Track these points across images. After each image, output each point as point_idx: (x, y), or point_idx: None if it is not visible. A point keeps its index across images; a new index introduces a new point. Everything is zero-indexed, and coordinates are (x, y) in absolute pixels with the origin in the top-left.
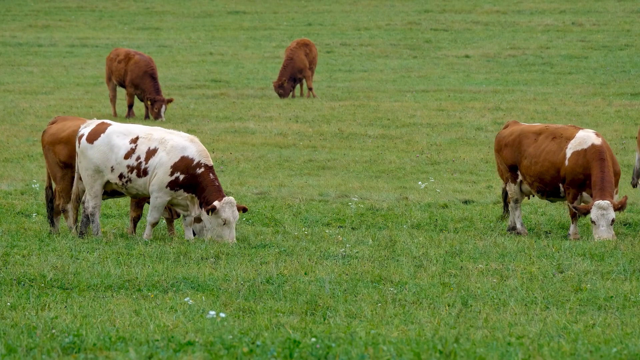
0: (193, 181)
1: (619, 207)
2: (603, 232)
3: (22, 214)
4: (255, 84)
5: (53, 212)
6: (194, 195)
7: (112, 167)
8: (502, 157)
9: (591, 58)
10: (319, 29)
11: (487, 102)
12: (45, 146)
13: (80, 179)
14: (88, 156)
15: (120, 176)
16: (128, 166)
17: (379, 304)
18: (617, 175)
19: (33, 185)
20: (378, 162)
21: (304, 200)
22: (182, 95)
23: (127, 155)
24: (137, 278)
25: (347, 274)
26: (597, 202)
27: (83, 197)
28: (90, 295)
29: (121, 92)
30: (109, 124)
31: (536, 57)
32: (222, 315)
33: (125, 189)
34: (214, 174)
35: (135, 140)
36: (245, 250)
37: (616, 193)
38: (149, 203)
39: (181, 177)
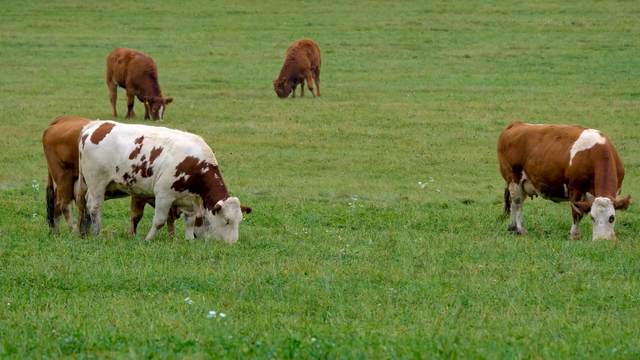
0: (198, 181)
1: (620, 206)
2: (601, 229)
3: (22, 214)
4: (255, 84)
5: (53, 212)
6: (198, 195)
7: (117, 167)
8: (506, 156)
9: (591, 58)
10: (319, 29)
11: (487, 102)
12: (46, 146)
13: (84, 179)
14: (92, 156)
15: (125, 176)
16: (133, 166)
17: (379, 304)
18: (620, 175)
19: (33, 185)
20: (378, 162)
21: (304, 200)
22: (182, 95)
23: (132, 155)
24: (137, 278)
25: (347, 274)
26: (597, 198)
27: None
28: (90, 295)
29: (121, 92)
30: (114, 124)
31: (536, 57)
32: (222, 315)
33: (130, 188)
34: (218, 174)
35: (140, 140)
36: (245, 250)
37: (619, 193)
38: (150, 204)
39: (186, 177)
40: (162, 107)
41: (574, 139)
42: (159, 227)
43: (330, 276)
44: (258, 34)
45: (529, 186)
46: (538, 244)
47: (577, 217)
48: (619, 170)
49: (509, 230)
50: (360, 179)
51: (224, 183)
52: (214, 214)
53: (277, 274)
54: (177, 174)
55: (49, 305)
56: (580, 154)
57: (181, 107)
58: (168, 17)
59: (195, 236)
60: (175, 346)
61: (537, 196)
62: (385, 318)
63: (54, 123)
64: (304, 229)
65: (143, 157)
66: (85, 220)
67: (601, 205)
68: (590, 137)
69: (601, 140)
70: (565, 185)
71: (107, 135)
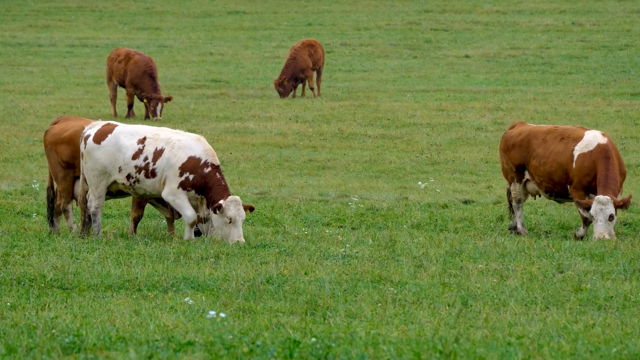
0: (202, 181)
1: (621, 205)
2: (600, 227)
3: (22, 214)
4: (255, 84)
5: (54, 212)
6: (202, 196)
7: (119, 168)
8: (509, 157)
9: (591, 58)
10: (319, 29)
11: (487, 102)
12: (47, 146)
13: (85, 179)
14: (95, 157)
15: (128, 176)
16: (136, 167)
17: (379, 304)
18: (622, 175)
19: (33, 185)
20: (378, 162)
21: (304, 200)
22: (182, 95)
23: (135, 156)
24: (137, 278)
25: (347, 274)
26: (597, 197)
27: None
28: (90, 295)
29: (121, 92)
30: (116, 125)
31: (536, 57)
32: (222, 315)
33: (133, 189)
34: (220, 173)
35: (142, 141)
36: (245, 250)
37: (620, 194)
38: (151, 204)
39: (191, 177)
40: (160, 105)
41: (576, 140)
42: (192, 224)
43: (330, 276)
44: (258, 34)
45: (531, 186)
46: (538, 244)
47: (585, 221)
48: (621, 170)
49: (509, 229)
50: (360, 179)
51: (226, 183)
52: (215, 212)
53: (277, 274)
54: (181, 174)
55: (49, 305)
56: (582, 155)
57: (181, 107)
58: (168, 17)
59: (199, 232)
60: (175, 346)
61: (540, 196)
62: (385, 318)
63: (55, 123)
64: (304, 229)
65: (146, 158)
66: (87, 221)
67: (601, 204)
68: (592, 138)
69: (603, 141)
70: (569, 186)
71: (109, 135)
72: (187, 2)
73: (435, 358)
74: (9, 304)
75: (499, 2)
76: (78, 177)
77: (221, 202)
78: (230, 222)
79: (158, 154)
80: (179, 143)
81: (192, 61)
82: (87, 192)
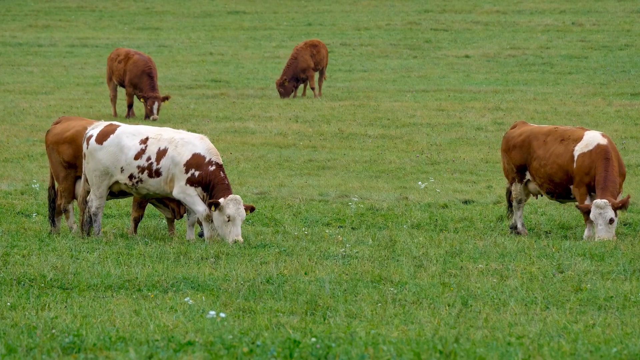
0: (207, 179)
1: (619, 206)
2: (601, 232)
3: (22, 214)
4: (255, 84)
5: (55, 212)
6: (207, 194)
7: (122, 168)
8: (510, 157)
9: (591, 58)
10: (319, 29)
11: (487, 102)
12: (49, 146)
13: (86, 179)
14: (97, 157)
15: (131, 177)
16: (138, 167)
17: (379, 304)
18: (622, 176)
19: (33, 185)
20: (378, 162)
21: (304, 200)
22: (182, 95)
23: (137, 156)
24: (137, 278)
25: (347, 274)
26: (595, 201)
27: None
28: (90, 295)
29: (121, 92)
30: (118, 125)
31: (536, 57)
32: (222, 315)
33: (136, 189)
34: (224, 172)
35: (145, 141)
36: (245, 250)
37: (620, 194)
38: (152, 204)
39: (196, 173)
40: (156, 103)
41: (576, 140)
42: (206, 219)
43: (330, 276)
44: (258, 34)
45: (533, 186)
46: (538, 244)
47: (589, 221)
48: (621, 171)
49: (510, 228)
50: (360, 179)
51: (229, 182)
52: (211, 208)
53: (277, 274)
54: (187, 171)
55: (49, 305)
56: (582, 155)
57: (181, 107)
58: (168, 17)
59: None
60: (175, 346)
61: (541, 196)
62: (385, 318)
63: (57, 123)
64: (304, 229)
65: (149, 158)
66: (88, 221)
67: (599, 208)
68: (592, 139)
69: (603, 141)
70: (570, 187)
71: (111, 136)
72: (187, 2)
73: (435, 358)
74: (9, 304)
75: (499, 2)
76: (79, 177)
77: (220, 200)
78: (228, 221)
79: (161, 153)
80: (182, 141)
81: (192, 61)
82: (88, 192)
